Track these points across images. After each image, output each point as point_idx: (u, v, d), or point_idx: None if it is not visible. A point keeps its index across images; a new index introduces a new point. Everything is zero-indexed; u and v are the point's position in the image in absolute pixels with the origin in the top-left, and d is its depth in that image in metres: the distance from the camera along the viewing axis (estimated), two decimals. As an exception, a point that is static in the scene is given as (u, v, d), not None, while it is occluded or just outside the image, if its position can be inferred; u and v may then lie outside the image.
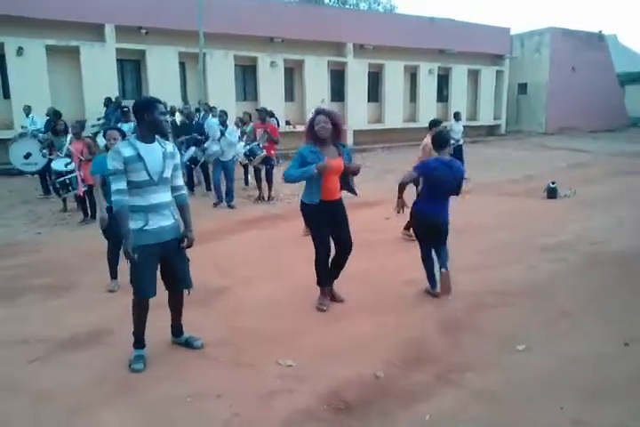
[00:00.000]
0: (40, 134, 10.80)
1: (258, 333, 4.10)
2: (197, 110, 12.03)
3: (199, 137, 9.79)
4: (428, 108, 21.82)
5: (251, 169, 11.05)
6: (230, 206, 9.13)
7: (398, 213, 4.98)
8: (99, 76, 14.56)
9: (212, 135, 9.15)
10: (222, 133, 9.07)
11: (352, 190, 4.63)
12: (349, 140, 19.72)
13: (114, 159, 3.33)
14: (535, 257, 6.08)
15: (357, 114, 19.86)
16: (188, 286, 3.77)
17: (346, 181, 4.55)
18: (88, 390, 3.30)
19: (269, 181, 9.58)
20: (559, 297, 4.83)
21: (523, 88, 26.31)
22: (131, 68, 16.25)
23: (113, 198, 3.36)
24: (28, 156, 9.35)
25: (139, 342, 3.66)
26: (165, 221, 3.51)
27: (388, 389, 3.29)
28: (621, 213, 8.23)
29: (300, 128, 11.02)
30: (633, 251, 6.25)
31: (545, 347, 3.83)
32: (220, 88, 16.39)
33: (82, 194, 7.83)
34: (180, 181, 3.71)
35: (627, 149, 18.64)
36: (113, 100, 13.52)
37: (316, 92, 18.62)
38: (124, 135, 5.02)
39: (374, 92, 20.84)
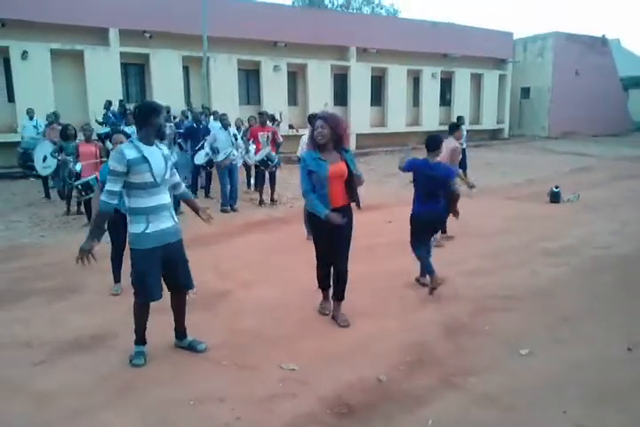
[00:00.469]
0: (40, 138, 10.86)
1: (260, 336, 4.11)
2: (204, 114, 12.04)
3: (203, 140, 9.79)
4: (431, 113, 21.86)
5: (253, 172, 11.10)
6: (234, 209, 9.14)
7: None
8: (103, 79, 14.61)
9: (220, 141, 9.08)
10: (236, 138, 9.10)
11: (357, 202, 4.34)
12: (352, 143, 19.75)
13: (116, 160, 3.35)
14: (538, 261, 6.07)
15: (360, 118, 19.87)
16: (190, 287, 3.80)
17: (352, 191, 4.26)
18: (91, 392, 3.30)
19: (273, 184, 9.59)
20: (562, 301, 4.82)
21: (526, 92, 26.31)
22: (135, 71, 16.30)
23: (102, 198, 3.38)
24: (44, 159, 9.43)
25: (139, 339, 3.72)
26: (166, 224, 3.55)
27: (391, 392, 3.29)
28: (625, 218, 8.23)
29: (303, 132, 11.02)
30: (636, 255, 6.24)
31: (548, 351, 3.83)
32: (224, 92, 16.44)
33: None
34: (178, 178, 3.86)
35: (630, 153, 18.64)
36: (113, 103, 13.53)
37: (319, 95, 18.65)
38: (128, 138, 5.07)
39: (377, 96, 20.87)
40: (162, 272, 3.63)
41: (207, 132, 10.03)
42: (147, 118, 3.46)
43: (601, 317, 4.46)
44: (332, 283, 4.43)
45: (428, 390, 3.30)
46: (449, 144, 6.97)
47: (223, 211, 9.05)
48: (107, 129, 12.36)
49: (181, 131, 10.27)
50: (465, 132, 12.49)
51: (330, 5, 36.38)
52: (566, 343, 3.96)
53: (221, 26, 15.44)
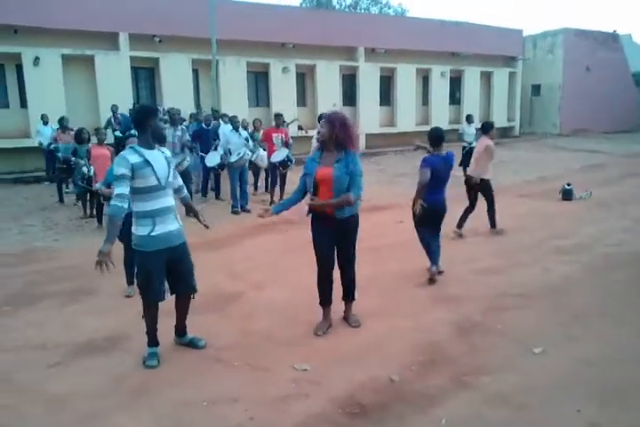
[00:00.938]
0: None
1: (272, 337, 4.12)
2: (213, 117, 12.08)
3: (213, 141, 9.82)
4: (441, 111, 21.77)
5: (262, 174, 11.14)
6: (245, 210, 9.17)
7: (416, 212, 5.30)
8: (113, 84, 14.72)
9: (233, 143, 9.11)
10: (247, 140, 9.14)
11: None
12: (362, 144, 19.73)
13: (121, 165, 3.40)
14: (550, 259, 6.04)
15: (369, 118, 19.84)
16: (194, 290, 3.86)
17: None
18: (104, 394, 3.34)
19: (283, 185, 9.61)
20: (574, 299, 4.79)
21: (536, 89, 26.13)
22: (145, 75, 16.41)
23: (112, 202, 3.42)
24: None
25: (152, 340, 3.76)
26: (171, 226, 3.60)
27: (404, 392, 3.28)
28: (637, 215, 8.15)
29: (313, 133, 11.04)
30: (650, 252, 6.18)
31: (561, 349, 3.81)
32: (233, 94, 16.50)
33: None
34: (181, 181, 3.92)
35: (643, 149, 18.44)
36: (118, 106, 13.65)
37: (328, 96, 18.64)
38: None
39: (386, 96, 20.83)
40: (166, 274, 3.67)
41: (216, 134, 10.07)
42: (142, 122, 3.51)
43: (613, 314, 4.43)
44: (335, 293, 4.26)
45: (440, 390, 3.30)
46: (482, 142, 7.16)
47: (234, 212, 9.08)
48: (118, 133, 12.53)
49: (189, 134, 10.32)
50: (474, 131, 12.48)
51: (337, 6, 36.39)
52: (579, 341, 3.93)
53: (230, 28, 15.49)
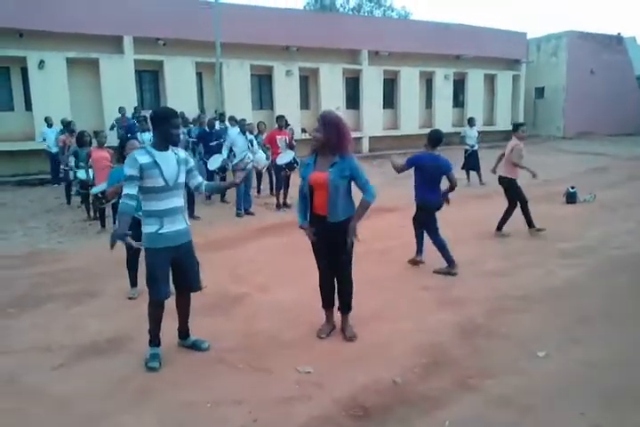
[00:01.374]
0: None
1: (276, 339, 4.12)
2: (218, 119, 12.12)
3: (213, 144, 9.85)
4: (444, 114, 21.78)
5: (265, 176, 11.16)
6: (249, 213, 9.19)
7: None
8: (118, 87, 14.79)
9: (239, 146, 9.13)
10: (252, 143, 9.15)
11: (328, 215, 3.91)
12: (365, 146, 19.75)
13: (130, 166, 3.47)
14: (554, 262, 6.03)
15: (373, 121, 19.87)
16: (197, 289, 3.90)
17: (328, 203, 3.88)
18: (108, 396, 3.34)
19: (287, 186, 9.63)
20: (579, 302, 4.78)
21: (540, 92, 26.12)
22: (149, 78, 16.47)
23: (121, 201, 3.50)
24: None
25: (154, 340, 3.77)
26: (179, 226, 3.65)
27: (407, 395, 3.28)
28: (642, 217, 8.12)
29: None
30: (654, 255, 6.16)
31: (564, 352, 3.80)
32: (237, 97, 16.55)
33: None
34: (200, 178, 3.91)
35: (647, 152, 18.38)
36: (125, 109, 13.73)
37: (332, 99, 18.67)
38: None
39: (390, 99, 20.85)
40: (170, 272, 3.71)
41: (219, 137, 10.10)
42: (156, 124, 3.59)
43: (618, 317, 4.42)
44: (337, 296, 4.20)
45: (443, 393, 3.29)
46: (510, 143, 7.32)
47: (238, 215, 9.11)
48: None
49: (192, 139, 10.37)
50: (476, 134, 12.46)
51: (341, 9, 36.47)
52: (583, 344, 3.92)
53: (233, 32, 15.55)
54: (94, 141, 8.84)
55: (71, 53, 14.42)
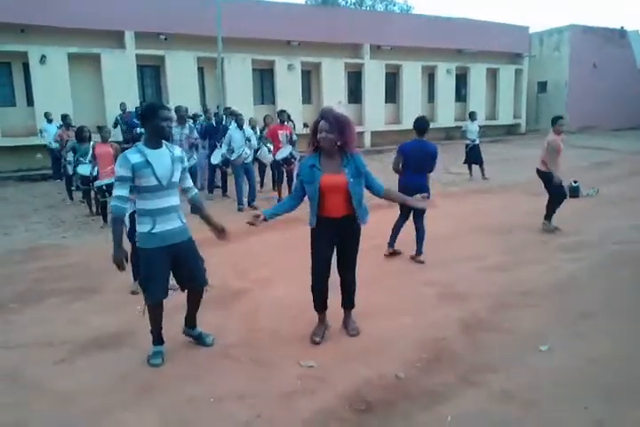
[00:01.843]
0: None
1: (278, 333, 4.12)
2: (225, 114, 12.11)
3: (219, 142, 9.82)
4: (447, 109, 21.73)
5: (268, 172, 11.15)
6: (253, 207, 9.17)
7: None
8: (119, 82, 14.78)
9: (236, 140, 9.11)
10: (248, 138, 9.12)
11: (359, 218, 3.81)
12: (367, 141, 19.71)
13: (121, 166, 3.40)
14: (557, 257, 6.01)
15: (375, 115, 19.83)
16: (203, 285, 3.82)
17: (354, 205, 3.77)
18: (111, 391, 3.35)
19: (290, 181, 9.62)
20: (582, 297, 4.76)
21: (542, 86, 26.02)
22: (150, 73, 16.44)
23: (113, 204, 3.44)
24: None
25: (156, 339, 3.75)
26: (173, 225, 3.57)
27: (410, 389, 3.28)
28: (645, 212, 8.09)
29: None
30: (658, 250, 6.14)
31: (568, 347, 3.79)
32: (239, 92, 16.52)
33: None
34: (190, 182, 3.82)
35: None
36: (126, 104, 13.75)
37: (334, 94, 18.64)
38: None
39: (392, 93, 20.79)
40: (170, 272, 3.65)
41: (225, 132, 10.09)
42: (145, 120, 3.49)
43: (621, 312, 4.40)
44: (329, 298, 4.03)
45: (446, 387, 3.29)
46: (547, 137, 7.24)
47: (240, 210, 9.09)
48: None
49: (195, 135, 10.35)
50: (478, 128, 12.41)
51: (343, 3, 36.30)
52: (585, 339, 3.91)
53: (235, 26, 15.49)
54: (97, 137, 8.81)
55: (72, 48, 14.39)
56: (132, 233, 4.90)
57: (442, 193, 10.13)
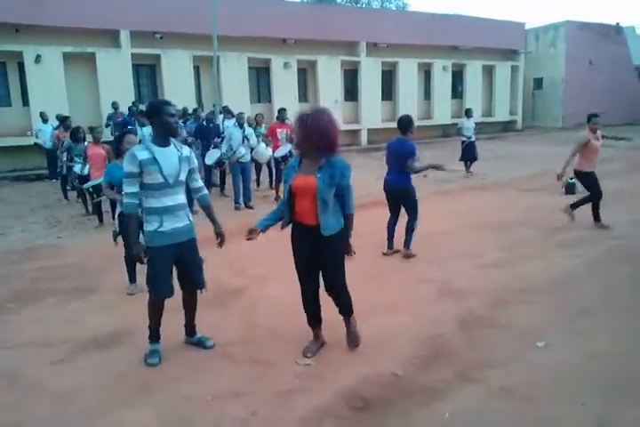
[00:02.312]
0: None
1: (275, 332, 4.12)
2: (221, 113, 12.10)
3: (217, 139, 9.78)
4: (443, 106, 21.72)
5: (265, 170, 11.14)
6: (249, 207, 9.16)
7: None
8: (115, 81, 14.73)
9: (235, 139, 9.09)
10: (246, 137, 9.09)
11: (321, 227, 3.41)
12: (364, 139, 19.70)
13: (129, 162, 3.40)
14: (555, 253, 6.01)
15: (371, 113, 19.82)
16: (201, 286, 3.83)
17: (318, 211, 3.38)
18: (108, 390, 3.34)
19: (288, 180, 9.61)
20: (580, 293, 4.77)
21: (538, 83, 26.02)
22: (146, 72, 16.39)
23: (125, 201, 3.46)
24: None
25: (153, 336, 3.74)
26: (180, 223, 3.58)
27: (407, 387, 3.28)
28: (643, 208, 8.10)
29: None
30: (655, 245, 6.15)
31: (566, 344, 3.79)
32: (235, 90, 16.48)
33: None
34: (200, 183, 3.81)
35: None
36: (117, 104, 13.69)
37: (330, 92, 18.62)
38: None
39: (388, 91, 20.78)
40: (173, 270, 3.66)
41: (218, 131, 10.07)
42: (152, 118, 3.49)
43: (619, 308, 4.41)
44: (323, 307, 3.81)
45: (444, 384, 3.29)
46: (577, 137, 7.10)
47: (237, 208, 9.09)
48: None
49: (186, 131, 10.31)
50: (474, 125, 12.43)
51: (339, 1, 36.26)
52: (584, 335, 3.91)
53: (231, 24, 15.45)
54: (90, 137, 8.79)
55: (68, 48, 14.34)
56: (124, 234, 4.89)
57: (437, 190, 10.14)
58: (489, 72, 23.39)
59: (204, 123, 10.53)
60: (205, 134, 10.20)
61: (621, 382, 3.25)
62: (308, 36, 18.03)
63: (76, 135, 8.81)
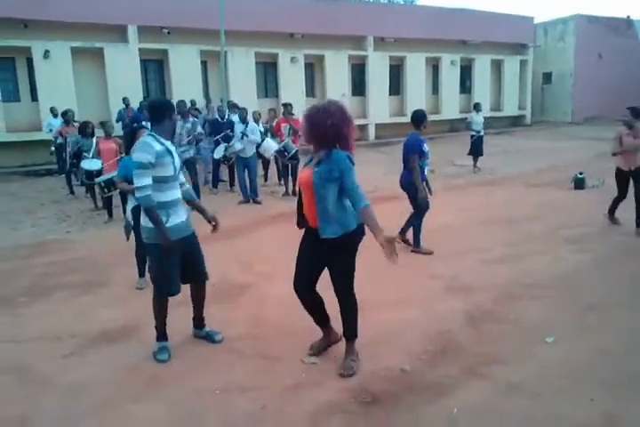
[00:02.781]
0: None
1: (283, 327, 4.13)
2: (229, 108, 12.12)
3: (231, 133, 9.80)
4: (451, 100, 21.61)
5: (272, 165, 11.15)
6: (256, 202, 9.20)
7: None
8: (123, 76, 14.75)
9: (235, 134, 9.25)
10: (244, 133, 9.11)
11: (319, 228, 3.21)
12: (371, 134, 19.65)
13: (147, 152, 3.35)
14: (563, 248, 6.00)
15: (379, 107, 19.74)
16: (206, 278, 3.87)
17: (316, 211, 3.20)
18: (118, 384, 3.37)
19: (294, 176, 9.63)
20: (587, 289, 4.75)
21: (547, 77, 25.83)
22: (154, 67, 16.40)
23: (144, 194, 3.37)
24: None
25: (161, 336, 3.75)
26: (182, 217, 3.61)
27: (415, 382, 3.29)
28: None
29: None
30: (664, 241, 6.11)
31: (574, 339, 3.78)
32: (242, 85, 16.46)
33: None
34: (183, 178, 3.85)
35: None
36: (128, 100, 13.73)
37: (337, 86, 18.56)
38: None
39: (396, 86, 20.68)
40: (180, 266, 3.66)
41: (231, 126, 10.10)
42: (161, 116, 3.51)
43: (627, 304, 4.39)
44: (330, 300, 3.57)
45: (452, 380, 3.30)
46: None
47: (241, 202, 9.15)
48: None
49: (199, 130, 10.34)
50: (482, 119, 12.37)
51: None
52: (592, 331, 3.91)
53: (238, 19, 15.42)
54: (101, 132, 8.79)
55: (76, 43, 14.36)
56: (137, 228, 4.91)
57: (445, 185, 10.11)
58: (497, 67, 23.23)
59: (219, 118, 10.57)
60: (218, 129, 10.22)
61: (631, 378, 3.24)
62: (315, 31, 17.96)
63: (85, 130, 8.80)
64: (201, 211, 3.85)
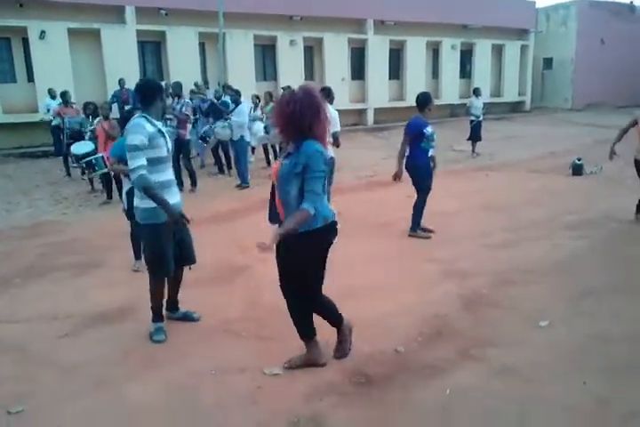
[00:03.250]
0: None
1: (278, 309, 4.10)
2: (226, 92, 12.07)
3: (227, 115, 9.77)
4: (451, 85, 21.47)
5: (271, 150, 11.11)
6: (240, 186, 9.05)
7: None
8: (120, 57, 14.59)
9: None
10: (228, 114, 9.16)
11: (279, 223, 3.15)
12: (370, 118, 19.54)
13: (140, 133, 3.34)
14: (560, 235, 6.00)
15: (378, 92, 19.61)
16: (194, 261, 3.87)
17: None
18: (115, 364, 3.39)
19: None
20: (584, 275, 4.77)
21: (548, 63, 25.64)
22: (151, 49, 16.23)
23: (139, 174, 3.32)
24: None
25: (157, 317, 3.77)
26: (176, 198, 3.61)
27: (409, 363, 3.31)
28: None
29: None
30: (661, 227, 6.12)
31: (569, 324, 3.80)
32: (240, 68, 16.31)
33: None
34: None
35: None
36: (124, 81, 13.60)
37: (336, 70, 18.41)
38: None
39: (395, 70, 20.52)
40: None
41: (226, 107, 10.04)
42: (152, 97, 3.50)
43: (624, 290, 4.40)
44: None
45: (445, 362, 3.32)
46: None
47: (238, 186, 9.12)
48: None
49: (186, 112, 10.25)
50: (482, 104, 12.30)
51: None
52: (588, 316, 3.92)
53: (237, 1, 15.21)
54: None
55: (72, 24, 14.16)
56: (130, 211, 4.89)
57: (445, 171, 10.07)
58: (498, 51, 23.04)
59: (215, 100, 10.50)
60: (218, 112, 10.15)
61: (624, 362, 3.27)
62: (314, 13, 17.74)
63: (85, 111, 8.78)
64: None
